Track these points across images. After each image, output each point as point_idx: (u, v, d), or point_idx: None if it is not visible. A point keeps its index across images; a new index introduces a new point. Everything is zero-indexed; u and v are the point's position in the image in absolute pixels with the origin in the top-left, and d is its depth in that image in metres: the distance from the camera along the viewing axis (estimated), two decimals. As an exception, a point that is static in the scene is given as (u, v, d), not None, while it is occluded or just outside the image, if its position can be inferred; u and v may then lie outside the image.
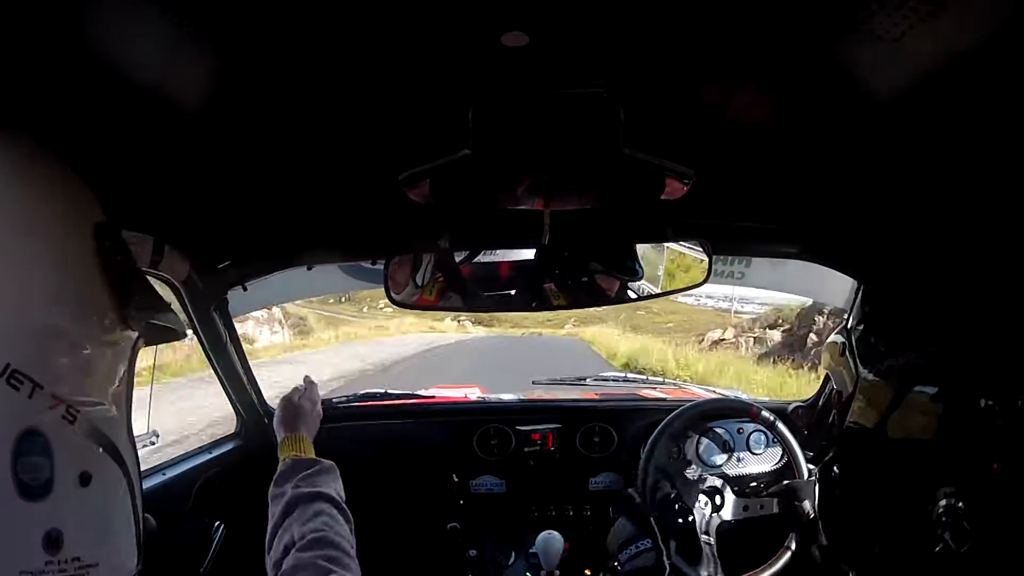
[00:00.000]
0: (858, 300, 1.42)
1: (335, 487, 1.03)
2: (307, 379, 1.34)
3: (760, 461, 1.83)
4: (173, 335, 0.82)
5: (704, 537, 1.67)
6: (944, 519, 0.95)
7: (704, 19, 0.68)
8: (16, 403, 0.59)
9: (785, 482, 1.72)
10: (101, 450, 0.68)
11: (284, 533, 0.91)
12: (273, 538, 0.92)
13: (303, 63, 0.74)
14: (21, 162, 0.65)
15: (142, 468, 0.79)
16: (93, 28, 0.63)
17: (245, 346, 1.69)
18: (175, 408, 7.53)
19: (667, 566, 1.49)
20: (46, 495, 0.61)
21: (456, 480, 1.86)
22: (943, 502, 0.96)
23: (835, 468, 1.50)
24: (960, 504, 0.94)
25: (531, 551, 1.75)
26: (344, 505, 0.98)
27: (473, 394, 2.27)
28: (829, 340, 1.48)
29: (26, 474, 0.59)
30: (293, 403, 1.23)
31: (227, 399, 1.72)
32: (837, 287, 1.72)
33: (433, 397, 2.20)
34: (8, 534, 0.58)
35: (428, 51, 0.73)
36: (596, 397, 2.22)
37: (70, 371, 0.65)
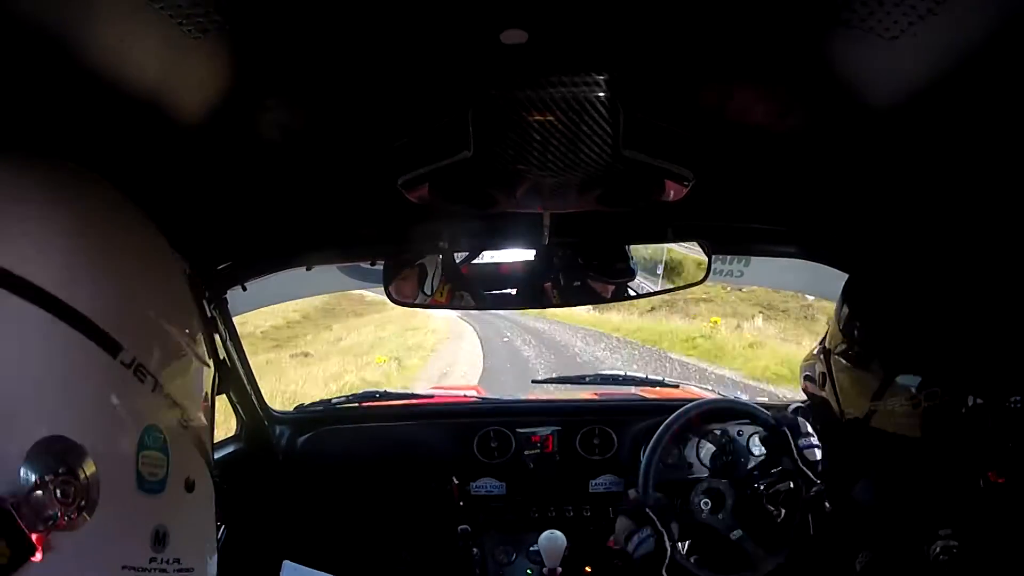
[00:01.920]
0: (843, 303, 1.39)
1: None
2: None
3: (761, 463, 1.82)
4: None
5: (735, 533, 1.68)
6: (942, 558, 0.95)
7: (703, 18, 0.68)
8: (143, 396, 0.63)
9: (789, 483, 1.72)
10: (202, 462, 0.73)
11: None
12: None
13: (302, 65, 0.74)
14: (118, 205, 0.75)
15: None
16: (93, 31, 0.63)
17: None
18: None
19: (668, 548, 1.59)
20: (160, 492, 0.63)
21: (456, 483, 1.86)
22: (940, 543, 0.96)
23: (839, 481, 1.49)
24: (955, 544, 0.94)
25: (532, 549, 1.75)
26: None
27: (472, 395, 2.27)
28: (807, 359, 1.40)
29: (146, 468, 0.61)
30: None
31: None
32: (836, 286, 1.71)
33: (432, 397, 2.20)
34: (121, 525, 0.59)
35: (427, 49, 0.73)
36: (596, 397, 2.21)
37: (179, 381, 0.70)
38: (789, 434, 1.68)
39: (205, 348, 0.79)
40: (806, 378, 1.39)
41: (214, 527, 0.76)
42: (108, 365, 0.59)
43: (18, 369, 0.55)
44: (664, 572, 1.57)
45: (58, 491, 0.53)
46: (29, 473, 0.53)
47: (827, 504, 1.48)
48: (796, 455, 1.65)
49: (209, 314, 0.89)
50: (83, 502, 0.55)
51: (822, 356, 1.29)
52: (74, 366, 0.57)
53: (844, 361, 1.21)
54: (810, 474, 1.62)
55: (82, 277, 0.61)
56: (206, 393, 0.78)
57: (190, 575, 0.67)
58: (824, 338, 1.32)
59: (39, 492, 0.53)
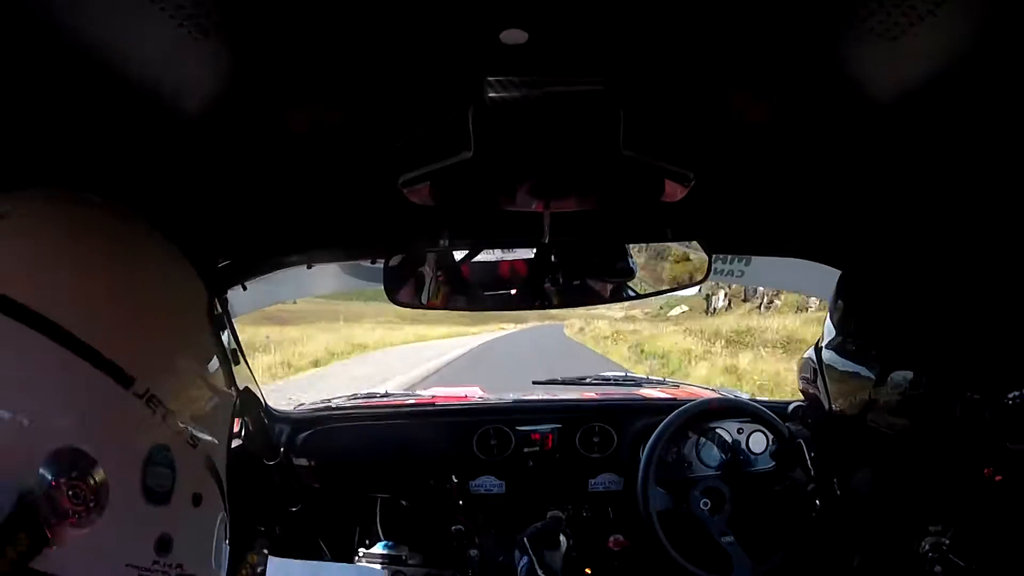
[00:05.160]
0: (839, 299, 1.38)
1: None
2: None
3: (761, 461, 1.83)
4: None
5: (724, 539, 1.67)
6: (931, 555, 0.95)
7: (704, 18, 0.68)
8: (153, 422, 0.70)
9: (773, 450, 1.74)
10: (212, 480, 0.80)
11: None
12: None
13: (303, 64, 0.74)
14: (145, 236, 0.80)
15: None
16: (89, 25, 0.63)
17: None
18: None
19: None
20: (165, 503, 0.70)
21: (456, 481, 1.86)
22: (930, 539, 0.96)
23: (834, 480, 1.49)
24: (946, 540, 0.95)
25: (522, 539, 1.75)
26: None
27: (473, 394, 2.27)
28: (803, 358, 1.40)
29: (153, 480, 0.69)
30: None
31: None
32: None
33: (433, 397, 2.20)
34: (127, 528, 0.67)
35: (428, 48, 0.73)
36: (596, 397, 2.22)
37: (192, 408, 0.77)
38: (804, 446, 1.63)
39: (224, 378, 0.85)
40: (802, 378, 1.39)
41: (223, 540, 0.83)
42: (121, 396, 0.67)
43: (38, 395, 0.63)
44: None
45: (71, 492, 0.62)
46: (46, 476, 0.62)
47: (817, 502, 1.48)
48: (810, 466, 1.61)
49: (228, 343, 0.93)
50: (92, 504, 0.64)
51: (815, 355, 1.29)
52: (89, 396, 0.66)
53: (837, 357, 1.21)
54: (779, 424, 1.64)
55: (98, 313, 0.69)
56: (222, 416, 0.84)
57: None
58: (820, 338, 1.32)
59: (54, 492, 0.61)
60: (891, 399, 1.04)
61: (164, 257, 0.82)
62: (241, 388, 0.90)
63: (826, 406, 1.25)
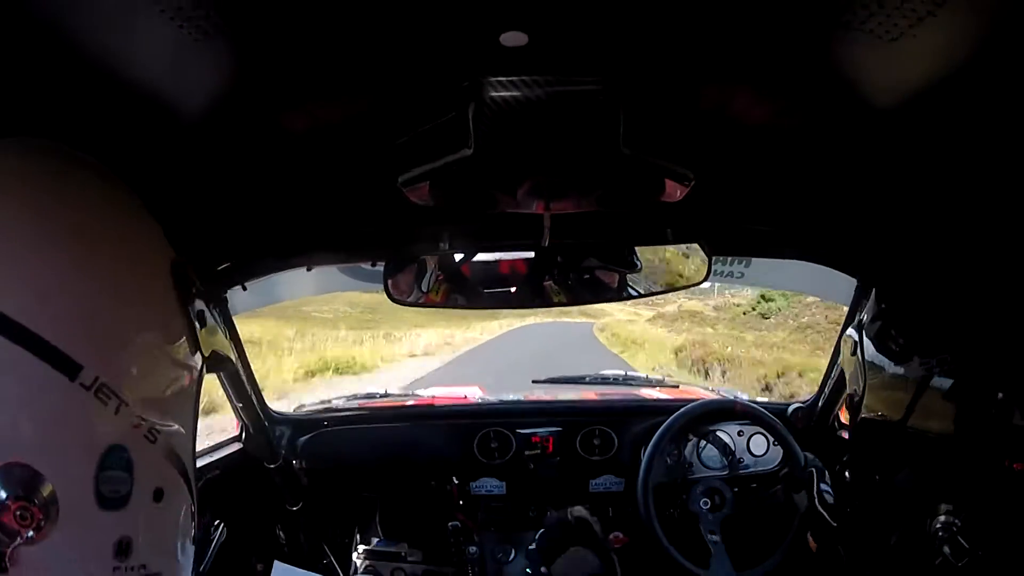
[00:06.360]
0: (871, 299, 1.41)
1: None
2: None
3: (761, 463, 1.82)
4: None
5: (711, 537, 1.67)
6: (941, 534, 0.96)
7: (703, 20, 0.68)
8: (104, 417, 0.61)
9: (783, 472, 1.73)
10: (174, 469, 0.72)
11: None
12: None
13: (303, 66, 0.74)
14: (100, 187, 0.70)
15: None
16: (90, 26, 0.64)
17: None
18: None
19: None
20: (123, 507, 0.64)
21: (456, 483, 1.86)
22: (941, 518, 0.97)
23: (846, 472, 1.50)
24: (957, 521, 0.95)
25: (531, 548, 1.75)
26: None
27: (473, 394, 2.27)
28: (845, 335, 1.47)
29: (107, 486, 0.62)
30: None
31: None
32: (837, 286, 1.72)
33: (433, 397, 2.20)
34: (82, 539, 0.61)
35: (428, 51, 0.73)
36: (596, 397, 2.21)
37: (152, 392, 0.68)
38: (815, 475, 1.66)
39: (188, 349, 0.76)
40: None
41: (188, 528, 0.76)
42: (65, 388, 0.58)
43: None
44: None
45: (17, 513, 0.56)
46: None
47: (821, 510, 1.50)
48: (816, 495, 1.63)
49: (198, 307, 0.84)
50: (43, 522, 0.57)
51: (856, 333, 1.35)
52: (28, 391, 0.57)
53: (874, 351, 1.25)
54: (826, 516, 1.61)
55: (42, 290, 0.58)
56: (186, 397, 0.76)
57: None
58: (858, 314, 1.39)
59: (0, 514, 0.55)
60: (924, 387, 1.06)
61: (123, 214, 0.70)
62: (207, 355, 0.80)
63: (862, 384, 1.30)
